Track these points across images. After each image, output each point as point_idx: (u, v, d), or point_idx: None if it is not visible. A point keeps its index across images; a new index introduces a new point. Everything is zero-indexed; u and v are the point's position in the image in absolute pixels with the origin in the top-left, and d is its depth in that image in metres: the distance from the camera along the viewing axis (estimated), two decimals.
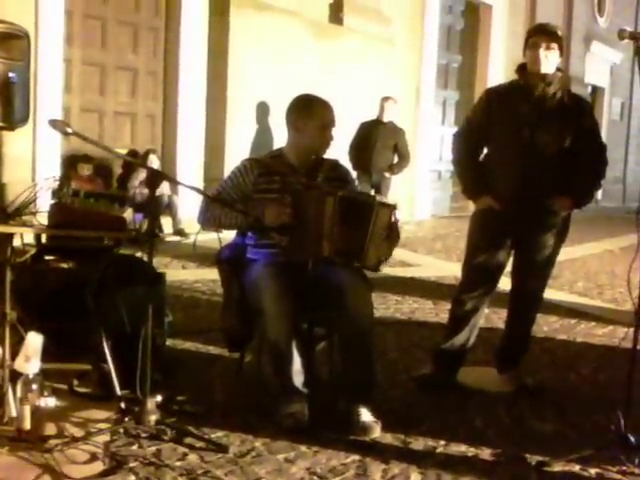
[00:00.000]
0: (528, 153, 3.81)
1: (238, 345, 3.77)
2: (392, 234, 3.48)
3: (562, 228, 3.97)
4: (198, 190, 3.55)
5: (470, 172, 4.04)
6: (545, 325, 5.50)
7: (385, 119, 9.27)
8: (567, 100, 3.89)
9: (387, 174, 9.29)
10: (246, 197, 3.58)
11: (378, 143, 9.14)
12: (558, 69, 3.90)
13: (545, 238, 3.93)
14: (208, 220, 3.61)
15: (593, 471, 3.11)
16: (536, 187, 3.82)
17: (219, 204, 3.54)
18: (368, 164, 9.12)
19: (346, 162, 8.49)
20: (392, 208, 3.46)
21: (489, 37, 13.59)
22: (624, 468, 3.11)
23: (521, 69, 3.91)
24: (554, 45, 3.82)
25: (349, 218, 3.39)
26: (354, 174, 8.60)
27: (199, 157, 9.09)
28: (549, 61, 3.82)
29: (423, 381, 4.02)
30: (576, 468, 3.12)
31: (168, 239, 8.11)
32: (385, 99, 9.36)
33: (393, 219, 3.47)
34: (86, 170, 7.87)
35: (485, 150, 4.06)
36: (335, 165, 3.79)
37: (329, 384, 3.58)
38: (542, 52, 3.80)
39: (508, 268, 4.08)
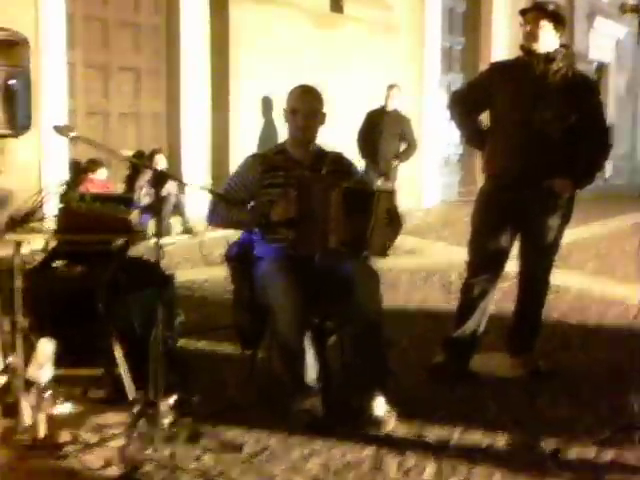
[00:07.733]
0: (528, 130, 3.78)
1: (251, 342, 3.76)
2: (394, 219, 3.47)
3: (566, 209, 3.95)
4: (202, 187, 3.60)
5: (469, 123, 4.09)
6: (557, 307, 5.47)
7: (390, 107, 9.23)
8: (571, 78, 3.85)
9: (395, 162, 9.26)
10: (252, 194, 3.59)
11: (384, 132, 9.10)
12: (563, 45, 3.87)
13: (549, 220, 3.90)
14: (217, 220, 3.66)
15: (609, 456, 3.09)
16: (537, 165, 3.79)
17: (226, 203, 3.55)
18: (375, 153, 9.10)
19: (355, 151, 8.51)
20: (391, 193, 3.47)
21: (491, 18, 13.49)
22: None
23: (524, 46, 3.88)
24: (544, 22, 3.78)
25: (353, 209, 3.38)
26: (362, 163, 8.66)
27: (205, 154, 9.09)
28: (540, 38, 3.79)
29: (436, 370, 4.01)
30: (592, 453, 3.11)
31: (177, 238, 8.12)
32: (390, 87, 9.32)
33: (394, 204, 3.47)
34: (98, 174, 7.80)
35: (488, 123, 4.06)
36: (339, 158, 3.78)
37: (341, 378, 3.58)
38: (531, 29, 3.78)
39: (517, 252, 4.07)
